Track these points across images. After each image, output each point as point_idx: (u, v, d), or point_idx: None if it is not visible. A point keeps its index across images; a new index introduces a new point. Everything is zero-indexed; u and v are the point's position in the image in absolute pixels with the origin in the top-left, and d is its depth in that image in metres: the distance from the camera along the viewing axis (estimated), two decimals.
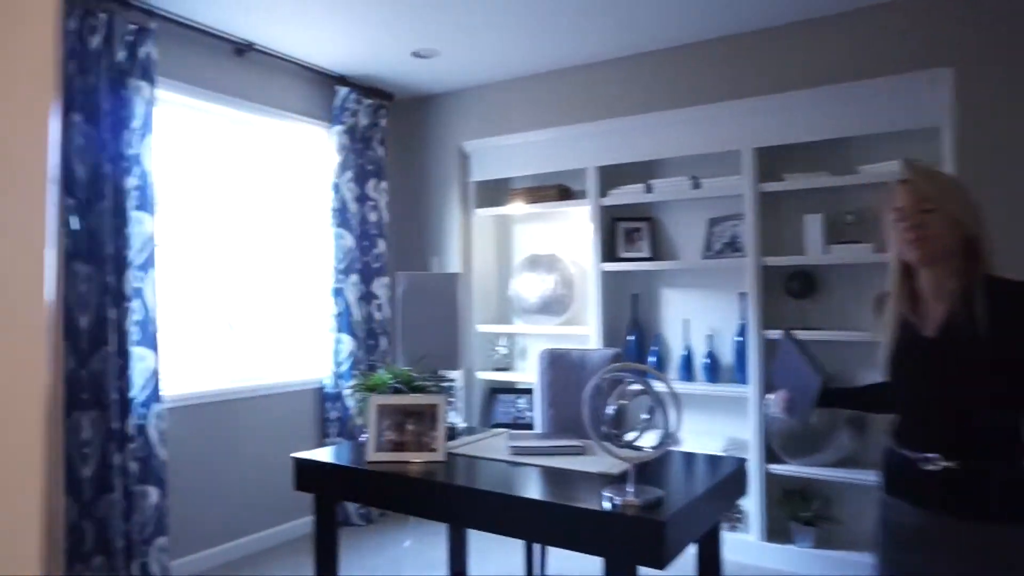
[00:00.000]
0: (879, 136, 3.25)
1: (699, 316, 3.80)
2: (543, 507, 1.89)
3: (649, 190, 3.79)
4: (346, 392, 3.90)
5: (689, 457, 2.48)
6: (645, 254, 3.89)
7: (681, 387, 3.68)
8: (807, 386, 1.79)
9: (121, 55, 2.98)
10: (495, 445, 2.63)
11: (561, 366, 3.23)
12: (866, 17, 3.22)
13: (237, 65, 3.61)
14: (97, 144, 2.90)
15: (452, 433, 2.87)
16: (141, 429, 2.96)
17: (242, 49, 3.56)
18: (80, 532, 2.72)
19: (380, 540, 3.78)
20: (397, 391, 2.61)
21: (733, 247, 3.61)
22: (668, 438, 1.94)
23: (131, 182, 2.99)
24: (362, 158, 4.14)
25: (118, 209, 2.95)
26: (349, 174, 4.03)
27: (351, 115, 4.05)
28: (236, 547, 3.52)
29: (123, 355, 2.90)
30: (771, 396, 1.93)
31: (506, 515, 1.97)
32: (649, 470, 2.16)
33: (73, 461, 2.72)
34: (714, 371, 3.69)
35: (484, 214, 4.36)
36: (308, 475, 2.49)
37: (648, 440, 2.02)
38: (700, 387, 3.66)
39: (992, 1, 2.94)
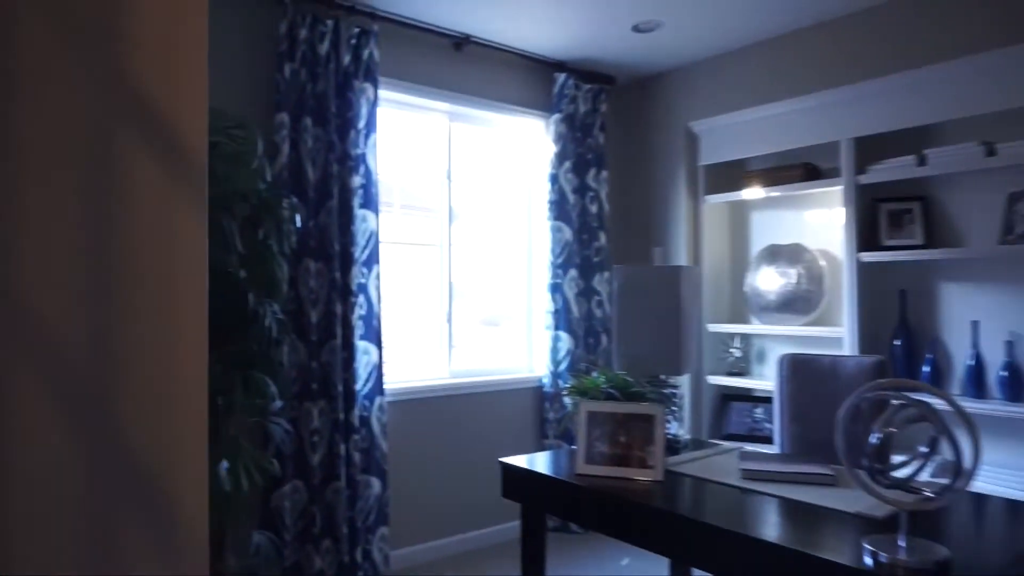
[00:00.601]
0: None
1: (994, 317, 3.03)
2: (780, 553, 1.52)
3: (922, 162, 3.10)
4: (564, 393, 3.73)
5: (981, 502, 1.91)
6: (917, 241, 3.20)
7: (967, 406, 2.96)
8: None
9: (346, 58, 3.08)
10: (723, 465, 2.27)
11: (806, 375, 2.74)
12: None
13: (455, 60, 3.60)
14: (325, 145, 3.03)
15: (673, 447, 2.55)
16: (364, 420, 3.04)
17: (460, 43, 3.55)
18: (311, 516, 2.85)
19: (597, 553, 3.55)
20: (610, 397, 2.35)
21: None
22: (959, 479, 1.45)
23: (356, 181, 3.09)
24: (581, 147, 3.94)
25: (344, 207, 3.05)
26: (568, 164, 3.85)
27: (570, 102, 3.87)
28: (449, 544, 3.52)
29: (348, 348, 2.99)
30: None
31: (731, 556, 1.62)
32: (926, 517, 1.67)
33: (304, 448, 2.86)
34: (1016, 387, 2.91)
35: (715, 201, 3.93)
36: (514, 482, 2.34)
37: (925, 477, 1.53)
38: (995, 407, 2.91)
39: None
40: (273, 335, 2.37)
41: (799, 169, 3.53)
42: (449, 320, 3.65)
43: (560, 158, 3.83)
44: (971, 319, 3.06)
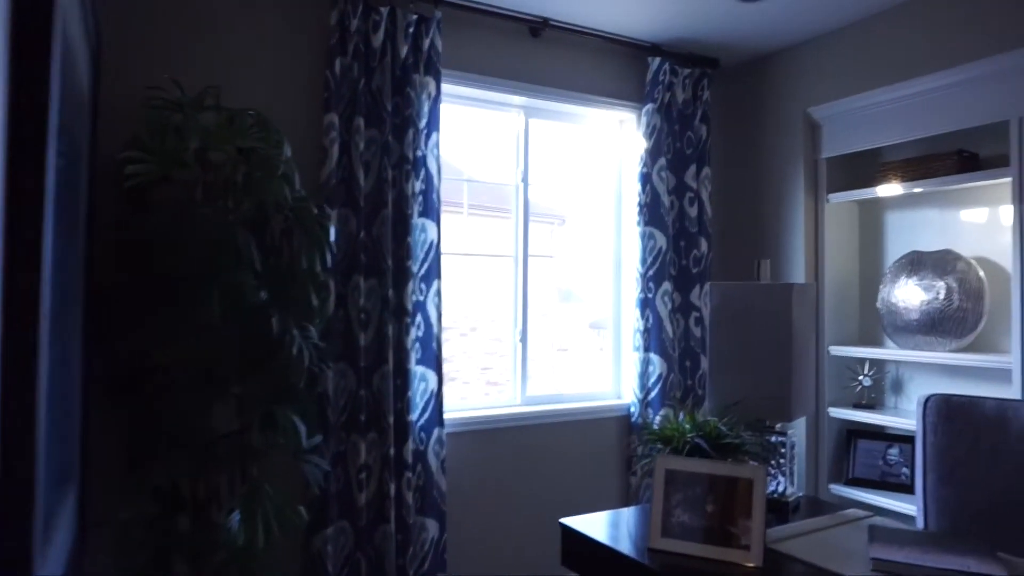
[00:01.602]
0: None
1: None
2: None
3: None
4: (643, 443, 3.24)
5: None
6: None
7: None
8: None
9: (404, 50, 2.76)
10: (845, 543, 1.75)
11: (963, 423, 2.13)
12: None
13: (531, 47, 3.20)
14: (380, 148, 2.72)
15: (780, 509, 2.04)
16: (420, 455, 2.70)
17: (537, 28, 3.14)
18: (355, 562, 2.55)
19: None
20: (697, 450, 1.88)
21: None
22: None
23: (414, 186, 2.76)
24: (680, 141, 3.44)
25: (399, 216, 2.73)
26: (662, 161, 3.36)
27: (666, 89, 3.38)
28: None
29: (402, 374, 2.67)
30: None
31: None
32: None
33: (351, 486, 2.56)
34: None
35: (841, 200, 3.30)
36: (574, 549, 1.92)
37: None
38: None
39: None
40: (305, 364, 2.07)
41: (951, 158, 2.86)
42: (523, 340, 3.26)
43: (653, 155, 3.34)
44: None
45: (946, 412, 2.16)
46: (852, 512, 2.05)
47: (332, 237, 2.21)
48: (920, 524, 2.17)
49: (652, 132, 3.33)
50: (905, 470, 3.12)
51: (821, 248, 3.34)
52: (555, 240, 3.58)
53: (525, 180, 3.30)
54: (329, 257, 2.21)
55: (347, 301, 2.62)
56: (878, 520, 2.01)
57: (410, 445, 2.65)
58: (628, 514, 2.06)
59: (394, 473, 2.62)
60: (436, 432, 2.73)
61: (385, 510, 2.58)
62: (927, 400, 2.19)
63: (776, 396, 2.04)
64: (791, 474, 2.14)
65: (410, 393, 2.68)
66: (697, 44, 3.42)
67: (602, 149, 3.62)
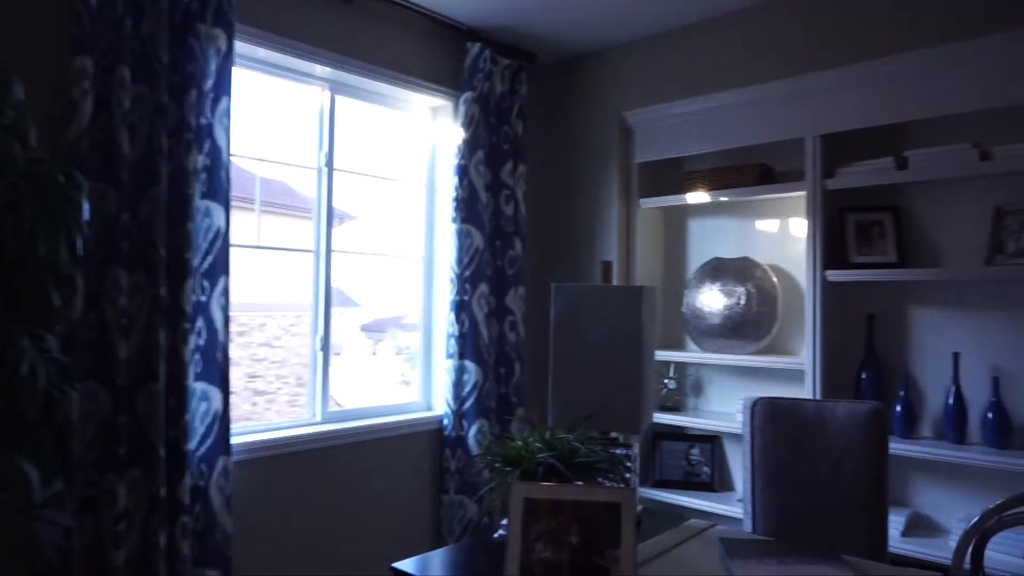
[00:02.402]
0: None
1: (976, 349, 2.59)
2: None
3: (902, 165, 2.63)
4: (472, 438, 3.01)
5: None
6: (889, 258, 2.73)
7: (947, 453, 2.51)
8: None
9: None
10: (700, 559, 1.64)
11: (785, 425, 2.17)
12: None
13: (341, 13, 2.81)
14: (152, 109, 2.17)
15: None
16: (200, 493, 2.19)
17: None
18: None
19: None
20: (552, 473, 1.66)
21: None
22: None
23: (197, 161, 2.24)
24: (496, 135, 3.25)
25: (177, 196, 2.20)
26: (480, 155, 3.15)
27: (485, 78, 3.17)
28: None
29: (177, 393, 2.14)
30: None
31: None
32: None
33: (103, 543, 1.98)
34: (1002, 431, 2.48)
35: (651, 205, 3.34)
36: None
37: None
38: (977, 455, 2.46)
39: None
40: (39, 385, 1.51)
41: (752, 170, 3.00)
42: (324, 348, 2.84)
43: (471, 146, 3.12)
44: (951, 351, 2.62)
45: (771, 414, 2.18)
46: (694, 524, 1.98)
47: (85, 216, 1.66)
48: (748, 527, 2.17)
49: (470, 122, 3.11)
50: (706, 469, 3.21)
51: (633, 252, 3.35)
52: (348, 236, 3.20)
53: (330, 164, 2.89)
54: (79, 242, 1.66)
55: (102, 301, 2.03)
56: (722, 530, 1.95)
57: (187, 481, 2.13)
58: (463, 550, 1.79)
59: (165, 519, 2.07)
60: (221, 462, 2.23)
61: (152, 566, 2.03)
62: (754, 403, 2.21)
63: (626, 405, 1.90)
64: (635, 487, 2.02)
65: (188, 416, 2.15)
66: (516, 34, 3.26)
67: (416, 137, 3.32)
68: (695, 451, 3.27)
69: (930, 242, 2.71)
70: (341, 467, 2.79)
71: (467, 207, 3.10)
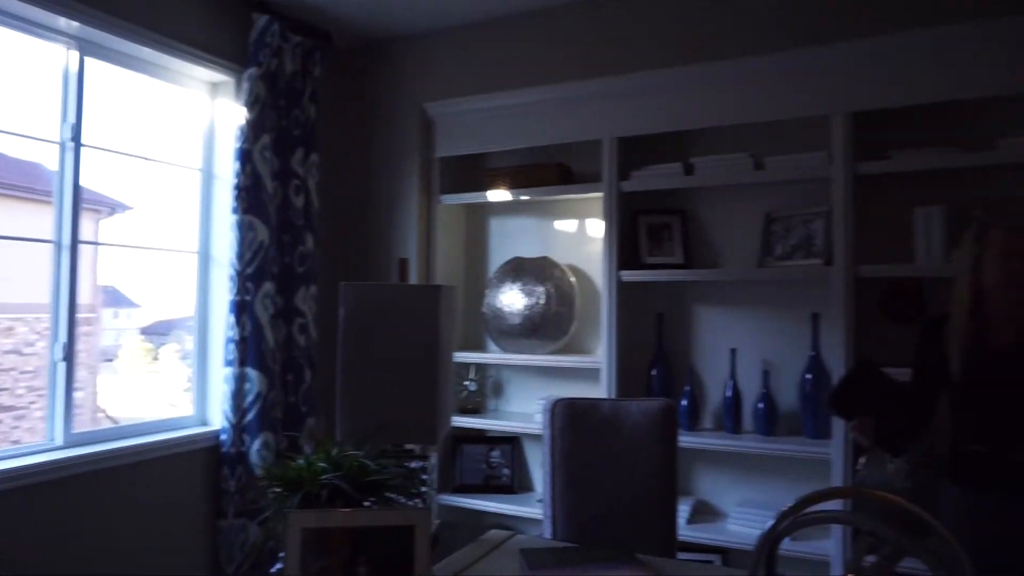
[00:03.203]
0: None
1: (750, 345, 2.79)
2: None
3: (689, 171, 2.76)
4: (255, 454, 2.70)
5: None
6: (677, 259, 2.86)
7: (726, 443, 2.68)
8: (904, 411, 1.91)
9: None
10: (502, 573, 1.54)
11: (585, 426, 2.15)
12: None
13: None
14: None
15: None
16: None
17: None
18: None
19: None
20: (339, 495, 1.47)
21: (806, 251, 2.62)
22: None
23: None
24: (286, 118, 2.96)
25: None
26: (266, 139, 2.84)
27: (273, 55, 2.86)
28: None
29: None
30: (852, 424, 1.93)
31: None
32: None
33: None
34: (771, 420, 2.69)
35: (452, 202, 3.24)
36: None
37: None
38: (750, 443, 2.65)
39: None
40: None
41: (552, 170, 3.00)
42: (68, 359, 2.38)
43: (256, 129, 2.80)
44: (729, 347, 2.79)
45: (570, 416, 2.15)
46: (493, 535, 1.89)
47: None
48: (548, 532, 2.12)
49: (255, 102, 2.79)
50: (506, 471, 3.17)
51: (433, 250, 3.22)
52: (122, 227, 2.76)
53: (77, 139, 2.43)
54: None
55: None
56: (522, 540, 1.87)
57: None
58: None
59: None
60: None
61: None
62: (554, 405, 2.17)
63: (423, 413, 1.75)
64: (432, 501, 1.88)
65: None
66: (310, 10, 2.99)
67: (190, 114, 2.92)
68: (495, 453, 3.21)
69: (712, 245, 2.88)
70: (92, 498, 2.35)
71: (250, 197, 2.77)
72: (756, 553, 0.94)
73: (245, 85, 2.79)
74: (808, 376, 2.61)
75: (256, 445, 2.72)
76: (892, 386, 1.94)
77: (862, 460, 2.36)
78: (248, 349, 2.74)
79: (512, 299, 3.09)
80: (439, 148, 3.23)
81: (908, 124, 2.48)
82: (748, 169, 2.64)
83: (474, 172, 3.26)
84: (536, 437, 3.02)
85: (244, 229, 2.75)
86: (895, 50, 2.39)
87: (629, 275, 2.81)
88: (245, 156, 2.76)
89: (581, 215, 3.12)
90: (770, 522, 0.96)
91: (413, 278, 3.14)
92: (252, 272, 2.76)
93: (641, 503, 2.10)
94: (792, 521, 0.94)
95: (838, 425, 2.43)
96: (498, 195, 3.09)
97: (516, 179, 3.07)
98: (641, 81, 2.77)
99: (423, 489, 1.80)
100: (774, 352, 2.75)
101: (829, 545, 2.43)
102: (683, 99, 2.72)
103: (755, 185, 2.73)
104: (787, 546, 2.49)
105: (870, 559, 0.97)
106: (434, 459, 1.87)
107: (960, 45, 2.31)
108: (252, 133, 2.78)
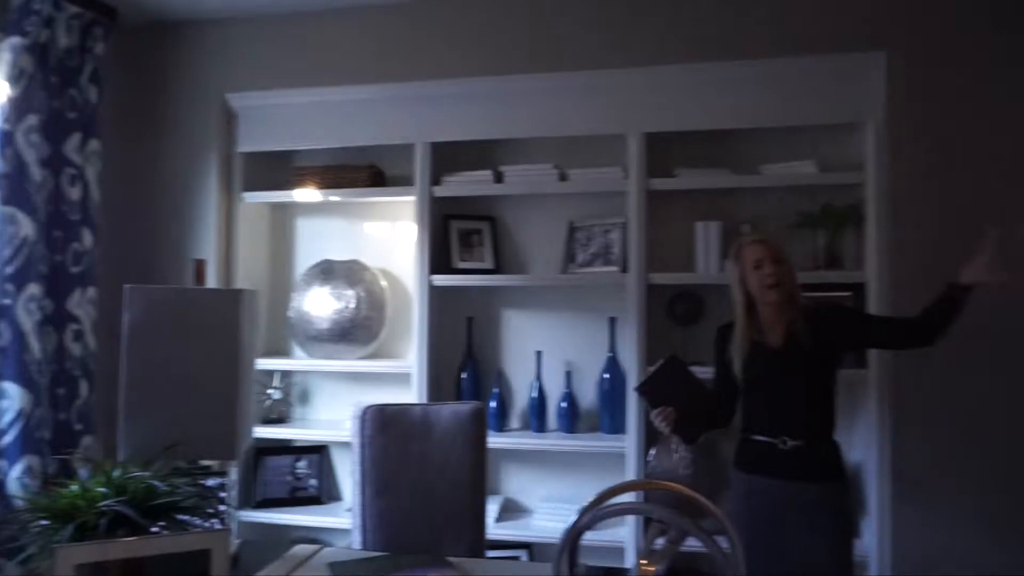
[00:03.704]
0: (786, 131, 2.67)
1: (554, 347, 2.93)
2: None
3: (499, 179, 2.85)
4: (15, 482, 2.35)
5: None
6: (486, 265, 2.93)
7: (532, 441, 2.80)
8: (701, 404, 2.14)
9: None
10: None
11: (396, 431, 2.14)
12: None
13: None
14: None
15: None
16: None
17: None
18: None
19: None
20: (123, 523, 1.33)
21: (605, 259, 2.81)
22: None
23: None
24: (60, 99, 2.61)
25: None
26: (33, 120, 2.49)
27: (42, 24, 2.51)
28: None
29: None
30: (656, 411, 2.09)
31: None
32: None
33: None
34: (573, 419, 2.85)
35: (256, 200, 3.06)
36: None
37: None
38: (554, 441, 2.80)
39: None
40: None
41: (364, 172, 2.95)
42: None
43: (20, 108, 2.44)
44: (535, 349, 2.91)
45: (380, 422, 2.13)
46: (300, 551, 1.81)
47: None
48: (357, 541, 2.07)
49: (19, 77, 2.44)
50: (313, 482, 3.06)
51: (234, 251, 3.02)
52: None
53: None
54: None
55: None
56: (330, 552, 1.81)
57: None
58: None
59: None
60: None
61: None
62: (364, 412, 2.13)
63: (221, 426, 1.63)
64: (230, 520, 1.76)
65: None
66: None
67: None
68: (302, 464, 3.08)
69: (520, 251, 2.99)
70: None
71: (11, 185, 2.42)
72: (560, 547, 0.98)
73: (6, 55, 2.43)
74: (606, 376, 2.80)
75: (16, 471, 2.37)
76: (694, 383, 2.14)
77: (652, 451, 2.58)
78: (6, 360, 2.38)
79: (320, 303, 2.98)
80: (242, 142, 3.03)
81: (693, 146, 2.75)
82: (553, 180, 2.78)
83: (281, 170, 3.10)
84: (346, 445, 2.93)
85: (3, 223, 2.39)
86: (682, 80, 2.64)
87: (441, 279, 2.83)
88: (6, 139, 2.40)
89: (393, 218, 3.10)
90: (573, 517, 1.02)
91: (211, 281, 2.92)
92: (13, 272, 2.41)
93: (452, 505, 2.13)
94: (593, 515, 1.00)
95: (632, 421, 2.64)
96: (306, 195, 2.97)
97: (326, 179, 2.97)
98: (456, 88, 2.81)
99: (221, 508, 1.68)
100: (576, 353, 2.91)
101: (624, 532, 2.62)
102: (495, 109, 2.79)
103: (560, 195, 2.87)
104: (587, 536, 2.65)
105: (660, 542, 1.06)
106: (234, 474, 1.76)
107: (735, 81, 2.60)
108: (14, 112, 2.43)
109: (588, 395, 2.89)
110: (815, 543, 1.94)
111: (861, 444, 2.54)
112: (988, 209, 2.41)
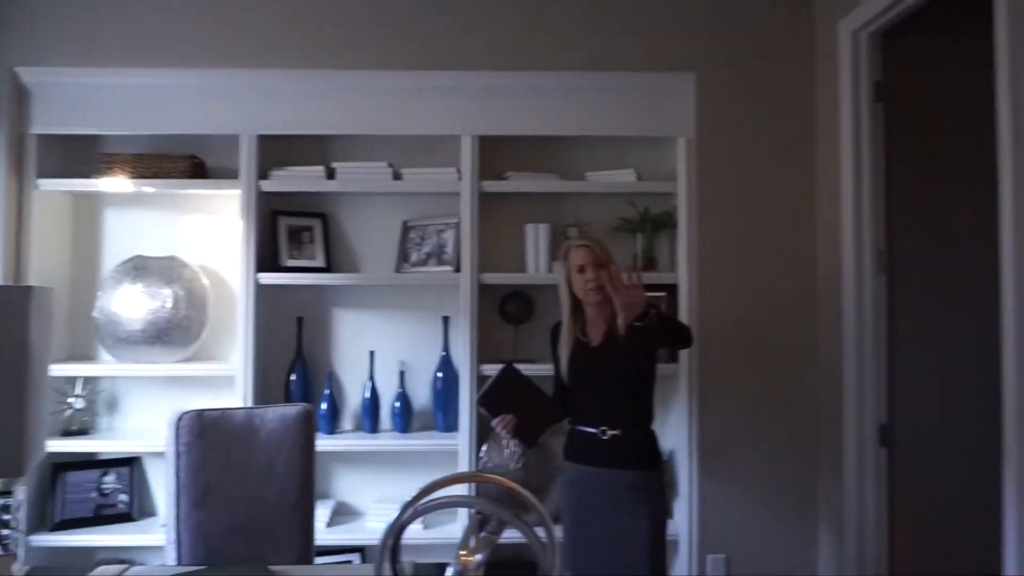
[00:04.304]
0: (610, 140, 2.84)
1: (388, 346, 2.91)
2: None
3: (331, 175, 2.78)
4: None
5: None
6: (318, 263, 2.85)
7: (365, 443, 2.77)
8: (538, 409, 2.21)
9: None
10: None
11: (217, 439, 2.02)
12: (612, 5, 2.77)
13: None
14: None
15: None
16: None
17: None
18: None
19: None
20: None
21: (439, 258, 2.83)
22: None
23: None
24: None
25: None
26: None
27: None
28: None
29: None
30: (496, 420, 2.18)
31: None
32: None
33: None
34: (407, 418, 2.85)
35: (53, 188, 2.75)
36: None
37: None
38: (388, 441, 2.78)
39: (731, 7, 2.75)
40: None
41: (184, 162, 2.76)
42: None
43: None
44: (368, 349, 2.88)
45: (199, 429, 2.00)
46: (102, 572, 1.66)
47: None
48: (172, 557, 1.94)
49: None
50: (124, 496, 2.82)
51: (26, 244, 2.70)
52: None
53: None
54: None
55: None
56: (138, 571, 1.68)
57: None
58: None
59: None
60: None
61: None
62: (179, 418, 1.99)
63: (4, 442, 1.46)
64: (16, 545, 1.58)
65: None
66: None
67: None
68: (110, 478, 2.83)
69: (353, 249, 2.93)
70: None
71: None
72: (381, 545, 0.99)
73: None
74: (440, 375, 2.83)
75: None
76: (531, 388, 2.21)
77: (484, 447, 2.64)
78: None
79: (132, 303, 2.74)
80: (36, 123, 2.71)
81: (525, 151, 2.85)
82: (387, 178, 2.76)
83: (85, 156, 2.82)
84: (161, 455, 2.73)
85: None
86: (515, 87, 2.73)
87: (268, 278, 2.72)
88: None
89: (216, 213, 2.92)
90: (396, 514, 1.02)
91: None
92: None
93: (278, 513, 2.05)
94: (413, 511, 1.01)
95: (465, 418, 2.69)
96: (116, 184, 2.73)
97: (139, 168, 2.74)
98: (287, 80, 2.70)
99: (3, 532, 1.50)
100: (410, 353, 2.91)
101: (457, 529, 2.66)
102: (328, 104, 2.72)
103: (394, 194, 2.86)
104: (421, 535, 2.67)
105: (483, 534, 1.09)
106: (21, 494, 1.58)
107: (564, 91, 2.73)
108: None
109: (422, 394, 2.90)
110: (632, 525, 2.09)
111: (673, 432, 2.76)
112: (777, 217, 2.72)
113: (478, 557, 1.03)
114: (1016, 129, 1.70)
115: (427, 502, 1.02)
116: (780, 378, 2.71)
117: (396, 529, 0.99)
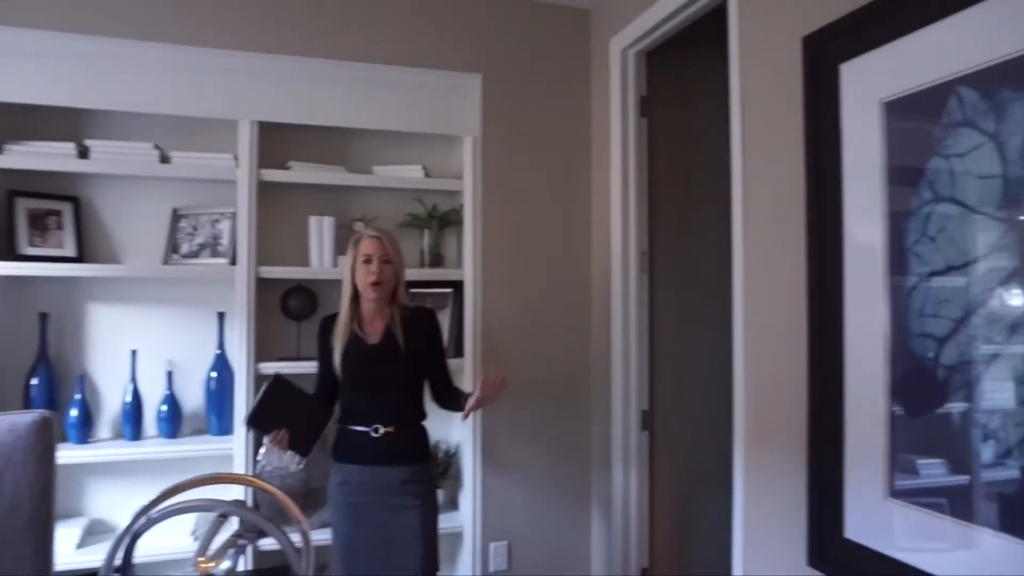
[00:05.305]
0: (399, 136, 2.83)
1: (154, 345, 2.66)
2: None
3: (84, 154, 2.48)
4: None
5: None
6: (66, 252, 2.53)
7: (125, 451, 2.51)
8: (310, 417, 2.13)
9: None
10: None
11: None
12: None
13: None
14: None
15: None
16: None
17: None
18: None
19: None
20: None
21: (213, 250, 2.64)
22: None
23: None
24: None
25: None
26: None
27: None
28: None
29: None
30: (268, 437, 2.10)
31: None
32: None
33: None
34: (175, 422, 2.62)
35: None
36: None
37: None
38: (154, 449, 2.54)
39: (516, 14, 2.85)
40: None
41: None
42: None
43: None
44: (130, 348, 2.61)
45: None
46: None
47: None
48: None
49: None
50: None
51: None
52: None
53: None
54: None
55: None
56: None
57: None
58: None
59: None
60: None
61: None
62: None
63: None
64: None
65: None
66: None
67: None
68: None
69: (112, 238, 2.64)
70: None
71: None
72: (108, 554, 0.90)
73: None
74: (214, 374, 2.64)
75: None
76: (300, 399, 2.13)
77: (262, 450, 2.51)
78: None
79: None
80: None
81: (309, 141, 2.75)
82: (153, 161, 2.52)
83: None
84: None
85: None
86: (299, 73, 2.61)
87: (2, 267, 2.36)
88: None
89: None
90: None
91: None
92: None
93: (9, 533, 1.78)
94: (148, 518, 0.93)
95: (241, 420, 2.53)
96: None
97: None
98: (28, 40, 2.35)
99: None
100: (180, 351, 2.69)
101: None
102: (82, 72, 2.42)
103: (161, 179, 2.62)
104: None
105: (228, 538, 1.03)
106: None
107: (351, 82, 2.67)
108: None
109: (194, 396, 2.69)
110: (405, 519, 2.11)
111: (458, 426, 2.81)
112: (556, 218, 2.88)
113: (224, 564, 0.98)
114: (744, 137, 1.95)
115: (163, 509, 0.94)
116: (558, 372, 2.86)
117: (125, 540, 0.91)
